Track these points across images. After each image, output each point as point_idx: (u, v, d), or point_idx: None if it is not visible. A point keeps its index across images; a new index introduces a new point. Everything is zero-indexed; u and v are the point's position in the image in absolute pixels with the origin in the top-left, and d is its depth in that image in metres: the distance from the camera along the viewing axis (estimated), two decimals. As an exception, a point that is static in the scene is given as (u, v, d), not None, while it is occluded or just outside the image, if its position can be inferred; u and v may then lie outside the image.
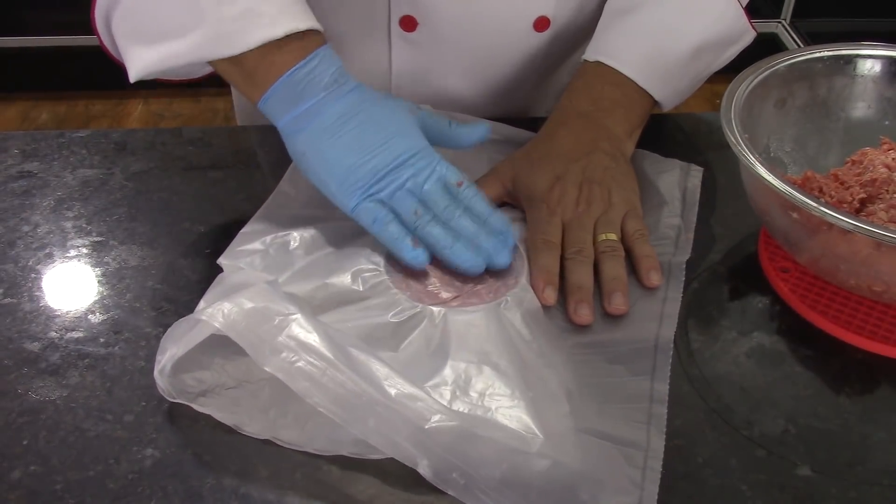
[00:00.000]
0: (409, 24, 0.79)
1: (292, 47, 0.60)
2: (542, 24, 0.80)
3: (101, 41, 0.67)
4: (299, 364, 0.49)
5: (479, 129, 0.67)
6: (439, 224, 0.60)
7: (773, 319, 0.63)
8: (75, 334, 0.59)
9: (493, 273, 0.61)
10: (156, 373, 0.52)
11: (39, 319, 0.61)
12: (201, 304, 0.56)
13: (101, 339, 0.59)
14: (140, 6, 0.62)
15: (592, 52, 0.75)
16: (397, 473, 0.50)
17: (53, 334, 0.59)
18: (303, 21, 0.61)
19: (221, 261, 0.61)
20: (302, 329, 0.50)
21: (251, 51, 0.60)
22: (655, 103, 0.74)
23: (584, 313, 0.60)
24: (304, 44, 0.61)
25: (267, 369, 0.49)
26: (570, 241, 0.64)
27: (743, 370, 0.58)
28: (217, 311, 0.50)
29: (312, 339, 0.50)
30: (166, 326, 0.60)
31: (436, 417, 0.48)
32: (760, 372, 0.58)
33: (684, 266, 0.65)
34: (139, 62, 0.63)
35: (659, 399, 0.55)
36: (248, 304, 0.50)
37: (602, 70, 0.73)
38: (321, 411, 0.48)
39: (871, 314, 0.61)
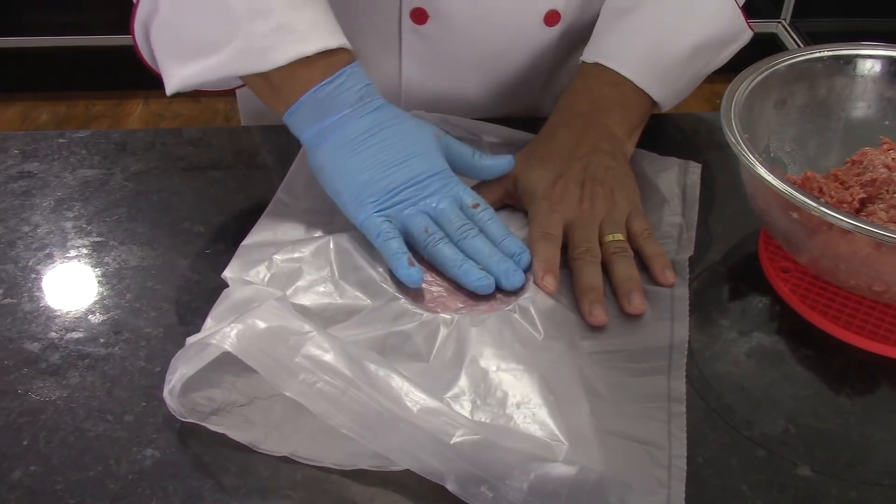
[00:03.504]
0: (420, 16, 0.79)
1: (321, 64, 0.61)
2: (552, 18, 0.80)
3: (138, 51, 0.67)
4: (318, 385, 0.48)
5: (502, 163, 0.67)
6: (450, 243, 0.61)
7: (773, 319, 0.63)
8: (75, 335, 0.59)
9: None
10: (165, 393, 0.52)
11: (39, 320, 0.61)
12: (209, 321, 0.55)
13: (101, 340, 0.59)
14: (177, 18, 0.63)
15: (591, 54, 0.75)
16: (397, 475, 0.50)
17: (53, 335, 0.59)
18: (333, 39, 0.62)
19: (226, 274, 0.61)
20: (318, 348, 0.49)
21: (280, 67, 0.61)
22: (654, 104, 0.74)
23: (599, 314, 0.59)
24: (332, 60, 0.62)
25: (287, 394, 0.49)
26: (577, 240, 0.64)
27: (743, 370, 0.58)
28: (230, 334, 0.49)
29: (329, 357, 0.49)
30: (166, 327, 0.60)
31: (459, 432, 0.47)
32: (760, 372, 0.58)
33: (688, 264, 0.65)
34: (175, 77, 0.65)
35: (677, 398, 0.55)
36: (261, 325, 0.50)
37: (600, 71, 0.73)
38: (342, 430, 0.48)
39: (871, 314, 0.61)
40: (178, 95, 0.65)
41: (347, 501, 0.50)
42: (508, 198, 0.70)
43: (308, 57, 0.61)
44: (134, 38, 0.66)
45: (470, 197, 0.63)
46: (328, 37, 0.62)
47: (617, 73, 0.73)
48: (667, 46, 0.74)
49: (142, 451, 0.52)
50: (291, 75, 0.61)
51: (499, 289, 0.60)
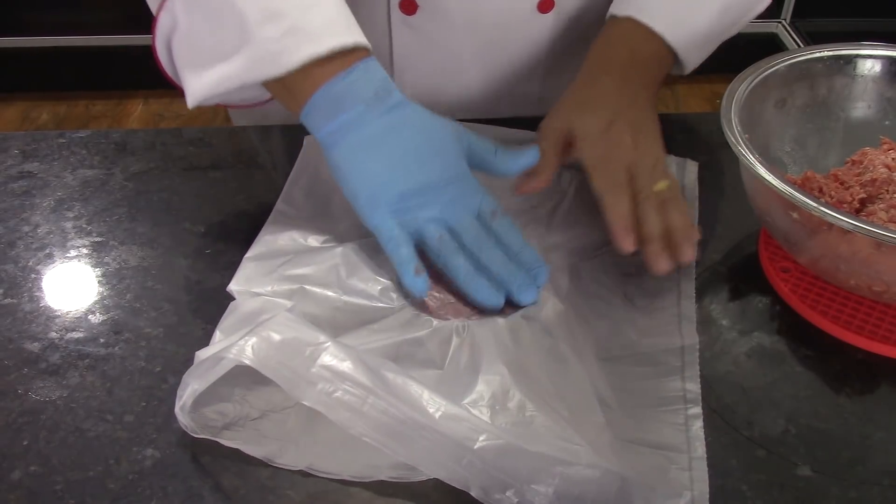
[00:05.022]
0: (409, 6, 0.78)
1: (335, 62, 0.60)
2: (545, 4, 0.79)
3: (162, 69, 0.66)
4: (337, 394, 0.48)
5: (525, 157, 0.64)
6: (464, 254, 0.59)
7: (773, 319, 0.63)
8: (75, 335, 0.59)
9: None
10: (177, 409, 0.51)
11: (39, 320, 0.61)
12: (217, 334, 0.55)
13: (101, 340, 0.59)
14: (194, 29, 0.62)
15: (622, 8, 0.72)
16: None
17: (53, 334, 0.59)
18: (348, 36, 0.60)
19: (231, 287, 0.60)
20: (335, 358, 0.49)
21: (294, 69, 0.59)
22: (673, 65, 0.73)
23: (664, 263, 0.60)
24: (346, 57, 0.60)
25: (305, 403, 0.48)
26: (639, 186, 0.63)
27: (743, 370, 0.58)
28: (245, 348, 0.49)
29: (347, 366, 0.48)
30: (166, 327, 0.60)
31: (483, 437, 0.47)
32: (761, 372, 0.58)
33: (693, 263, 0.65)
34: (194, 88, 0.63)
35: (692, 399, 0.54)
36: (276, 337, 0.49)
37: (632, 25, 0.71)
38: (364, 439, 0.47)
39: (871, 314, 0.61)
40: (176, 96, 0.64)
41: (348, 501, 0.50)
42: (565, 143, 0.67)
43: (322, 57, 0.59)
44: (156, 54, 0.65)
45: (488, 205, 0.62)
46: (342, 34, 0.60)
47: (649, 28, 0.70)
48: (699, 5, 0.72)
49: (142, 451, 0.52)
50: (305, 76, 0.60)
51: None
